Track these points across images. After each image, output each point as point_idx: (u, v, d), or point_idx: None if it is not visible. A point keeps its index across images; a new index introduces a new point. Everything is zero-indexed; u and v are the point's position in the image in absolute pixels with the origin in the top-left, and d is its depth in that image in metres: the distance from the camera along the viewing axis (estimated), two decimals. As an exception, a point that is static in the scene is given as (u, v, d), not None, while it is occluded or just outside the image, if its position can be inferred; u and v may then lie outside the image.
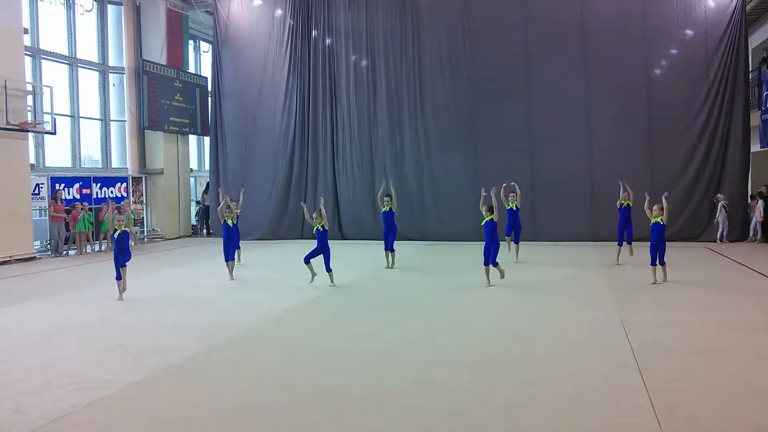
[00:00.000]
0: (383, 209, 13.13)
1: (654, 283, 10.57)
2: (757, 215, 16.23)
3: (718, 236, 16.36)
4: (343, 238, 19.24)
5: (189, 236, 21.55)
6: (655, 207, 10.69)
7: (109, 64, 20.02)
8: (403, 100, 18.92)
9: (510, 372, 6.06)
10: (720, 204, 16.33)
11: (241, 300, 10.00)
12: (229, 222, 11.91)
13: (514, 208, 13.03)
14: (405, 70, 18.89)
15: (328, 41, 19.79)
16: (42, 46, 17.55)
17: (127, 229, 10.10)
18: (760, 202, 16.20)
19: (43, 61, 17.58)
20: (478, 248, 15.93)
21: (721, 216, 16.28)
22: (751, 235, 16.51)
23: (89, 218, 16.92)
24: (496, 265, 10.60)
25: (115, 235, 10.02)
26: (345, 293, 10.54)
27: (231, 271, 11.89)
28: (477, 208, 17.60)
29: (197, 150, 24.49)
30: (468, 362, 6.40)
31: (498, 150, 17.89)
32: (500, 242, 11.23)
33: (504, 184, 12.76)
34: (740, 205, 16.74)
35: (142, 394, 5.66)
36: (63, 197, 16.54)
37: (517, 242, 13.60)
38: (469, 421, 4.88)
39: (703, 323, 7.85)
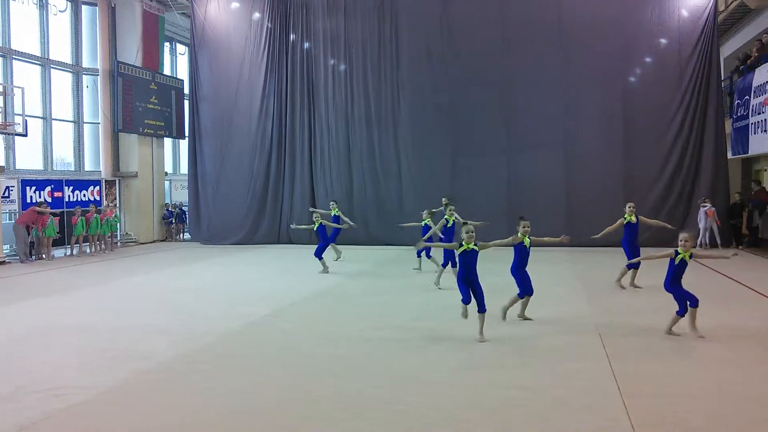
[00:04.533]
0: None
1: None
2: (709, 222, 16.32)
3: (702, 242, 16.50)
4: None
5: (163, 240, 21.24)
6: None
7: (83, 66, 19.67)
8: (382, 103, 18.93)
9: (494, 376, 6.04)
10: (703, 210, 16.49)
11: (221, 304, 9.85)
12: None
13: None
14: (383, 74, 18.91)
15: (306, 45, 19.71)
16: (14, 47, 17.17)
17: (323, 222, 12.95)
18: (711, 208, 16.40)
19: (14, 61, 17.20)
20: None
21: (703, 222, 16.40)
22: (699, 240, 16.48)
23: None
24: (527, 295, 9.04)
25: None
26: (325, 297, 10.45)
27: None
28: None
29: (172, 153, 24.18)
30: (455, 366, 6.37)
31: (476, 154, 18.01)
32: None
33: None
34: (721, 211, 16.88)
35: (119, 400, 5.50)
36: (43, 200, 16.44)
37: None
38: (457, 425, 4.84)
39: (678, 327, 7.91)
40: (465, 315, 7.49)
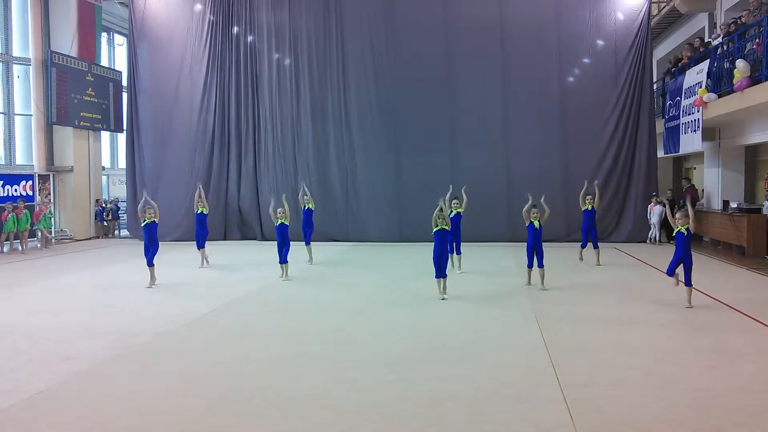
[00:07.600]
0: (308, 205, 14.02)
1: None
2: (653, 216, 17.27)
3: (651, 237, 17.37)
4: (264, 239, 18.94)
5: (100, 237, 20.61)
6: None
7: (14, 55, 18.86)
8: (327, 99, 18.85)
9: (432, 369, 6.13)
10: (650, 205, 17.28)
11: (157, 303, 9.65)
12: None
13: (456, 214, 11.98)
14: (329, 69, 18.84)
15: (250, 38, 19.44)
16: (-63, 33, 16.35)
17: (155, 219, 11.02)
18: (657, 207, 17.18)
19: (-62, 48, 16.38)
20: (401, 249, 16.19)
21: (656, 218, 17.15)
22: (649, 237, 17.47)
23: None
24: (541, 266, 10.33)
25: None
26: (263, 296, 10.38)
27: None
28: (399, 208, 18.05)
29: (110, 147, 23.45)
30: (391, 361, 6.42)
31: (420, 151, 18.19)
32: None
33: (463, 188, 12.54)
34: (646, 207, 17.65)
35: (49, 404, 5.34)
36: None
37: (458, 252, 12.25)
38: (390, 420, 4.90)
39: (612, 320, 8.23)
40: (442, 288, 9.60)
